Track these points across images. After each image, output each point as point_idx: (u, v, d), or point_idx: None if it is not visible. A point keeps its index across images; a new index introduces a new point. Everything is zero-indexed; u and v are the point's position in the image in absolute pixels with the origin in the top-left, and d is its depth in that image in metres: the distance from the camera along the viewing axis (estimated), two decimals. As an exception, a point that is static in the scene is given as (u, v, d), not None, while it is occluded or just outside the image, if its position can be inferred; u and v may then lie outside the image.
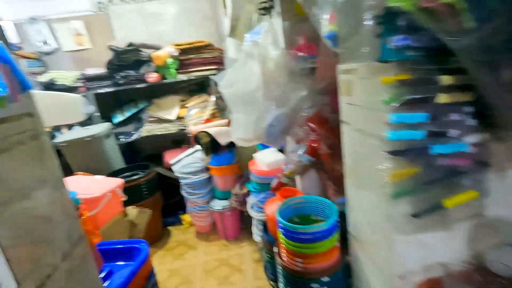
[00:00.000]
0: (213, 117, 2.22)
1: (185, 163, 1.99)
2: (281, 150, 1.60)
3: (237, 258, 1.82)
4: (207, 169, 2.00)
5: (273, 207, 1.02)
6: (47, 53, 2.52)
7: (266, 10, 1.20)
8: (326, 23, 0.73)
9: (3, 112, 0.51)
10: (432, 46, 0.48)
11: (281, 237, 0.87)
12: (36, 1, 2.42)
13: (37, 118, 0.63)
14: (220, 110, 2.24)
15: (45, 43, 2.49)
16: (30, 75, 2.30)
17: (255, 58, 1.13)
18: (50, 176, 0.66)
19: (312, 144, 1.00)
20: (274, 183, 1.25)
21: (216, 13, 2.56)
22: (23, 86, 0.51)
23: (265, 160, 1.53)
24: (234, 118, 1.32)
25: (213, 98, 2.30)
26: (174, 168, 2.03)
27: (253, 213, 1.53)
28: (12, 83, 0.46)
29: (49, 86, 2.25)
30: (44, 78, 2.27)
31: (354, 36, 0.61)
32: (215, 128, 1.90)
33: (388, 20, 0.49)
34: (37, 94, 0.79)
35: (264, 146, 1.73)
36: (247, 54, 1.18)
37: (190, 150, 2.08)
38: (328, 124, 0.95)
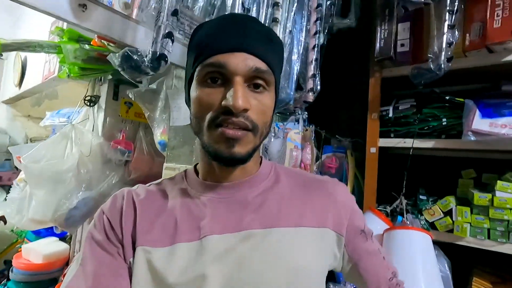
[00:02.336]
0: None
1: None
2: (63, 239, 1.48)
3: None
4: None
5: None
6: None
7: (91, 102, 1.46)
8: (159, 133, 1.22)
9: None
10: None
11: None
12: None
13: None
14: None
15: None
16: None
17: (72, 141, 1.29)
18: None
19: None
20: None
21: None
22: None
23: (42, 251, 1.38)
24: (31, 195, 1.28)
25: None
26: None
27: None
28: None
29: None
30: None
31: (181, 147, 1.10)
32: None
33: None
34: None
35: (38, 235, 1.56)
36: (62, 134, 1.33)
37: None
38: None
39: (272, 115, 0.52)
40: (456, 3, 0.91)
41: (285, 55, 0.96)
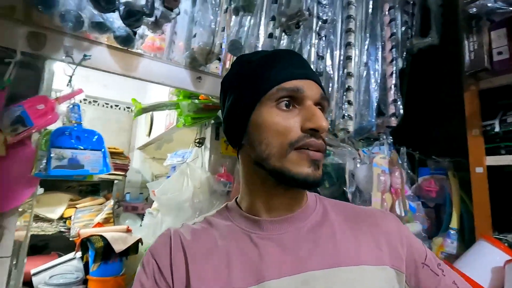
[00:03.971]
0: (106, 222, 2.07)
1: (54, 273, 1.64)
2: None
3: None
4: (84, 282, 1.62)
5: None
6: None
7: (199, 144, 1.73)
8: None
9: None
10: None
11: None
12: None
13: None
14: (116, 216, 2.20)
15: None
16: None
17: (187, 176, 1.56)
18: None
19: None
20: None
21: (131, 127, 3.03)
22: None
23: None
24: (162, 220, 1.64)
25: (111, 203, 2.19)
26: (35, 279, 1.61)
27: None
28: None
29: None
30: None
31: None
32: (111, 233, 1.66)
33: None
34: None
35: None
36: (180, 171, 1.58)
37: (64, 258, 1.73)
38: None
39: None
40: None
41: (363, 85, 1.02)
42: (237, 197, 0.57)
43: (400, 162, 1.14)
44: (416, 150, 1.31)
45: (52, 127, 0.74)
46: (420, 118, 1.44)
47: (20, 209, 0.72)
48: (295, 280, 0.45)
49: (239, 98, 0.51)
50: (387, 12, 1.04)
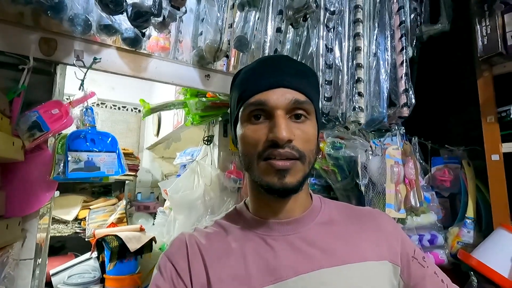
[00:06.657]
0: (120, 221, 2.10)
1: (73, 272, 1.70)
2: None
3: None
4: (101, 281, 1.69)
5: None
6: None
7: (208, 141, 1.77)
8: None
9: None
10: (325, 185, 1.23)
11: None
12: None
13: None
14: (129, 216, 2.22)
15: None
16: None
17: (198, 174, 1.60)
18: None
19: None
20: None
21: (139, 127, 3.05)
22: None
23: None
24: (174, 219, 1.68)
25: (123, 203, 2.23)
26: (55, 279, 1.68)
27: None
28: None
29: None
30: None
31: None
32: (125, 233, 1.75)
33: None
34: None
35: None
36: (191, 170, 1.64)
37: (81, 258, 1.81)
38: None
39: (316, 143, 0.53)
40: None
41: (373, 76, 1.01)
42: (245, 199, 0.59)
43: (413, 152, 1.13)
44: (429, 140, 1.29)
45: (67, 130, 0.76)
46: (432, 107, 1.41)
47: (40, 213, 0.74)
48: (310, 278, 0.47)
49: (231, 111, 0.57)
50: (395, 0, 1.02)
